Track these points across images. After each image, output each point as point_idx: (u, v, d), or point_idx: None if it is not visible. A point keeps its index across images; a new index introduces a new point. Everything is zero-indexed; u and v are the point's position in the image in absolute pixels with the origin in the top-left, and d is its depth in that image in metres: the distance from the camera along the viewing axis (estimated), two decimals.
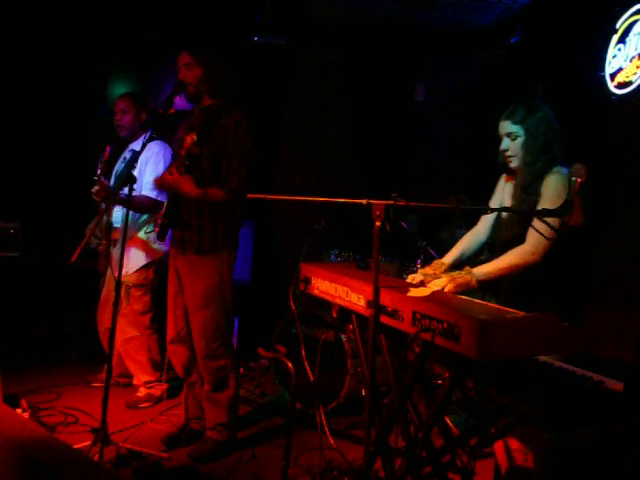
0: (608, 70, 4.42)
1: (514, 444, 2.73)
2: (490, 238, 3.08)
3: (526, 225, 2.77)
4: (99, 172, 4.32)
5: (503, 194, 3.03)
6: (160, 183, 3.59)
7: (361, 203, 2.39)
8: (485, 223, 3.10)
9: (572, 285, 2.89)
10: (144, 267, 4.38)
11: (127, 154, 4.44)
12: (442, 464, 2.56)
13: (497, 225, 3.03)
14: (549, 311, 2.19)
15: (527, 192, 2.79)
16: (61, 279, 5.24)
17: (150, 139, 3.93)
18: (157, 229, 3.43)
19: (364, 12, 5.44)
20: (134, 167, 3.41)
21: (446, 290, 2.62)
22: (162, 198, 4.16)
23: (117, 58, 5.96)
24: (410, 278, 2.86)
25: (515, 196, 2.89)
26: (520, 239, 2.78)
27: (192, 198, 3.42)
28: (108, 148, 4.36)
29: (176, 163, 3.54)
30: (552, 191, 2.70)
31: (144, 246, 4.35)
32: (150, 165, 4.27)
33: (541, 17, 5.15)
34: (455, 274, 2.68)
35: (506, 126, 2.84)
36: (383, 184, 5.64)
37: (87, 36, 5.70)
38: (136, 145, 4.37)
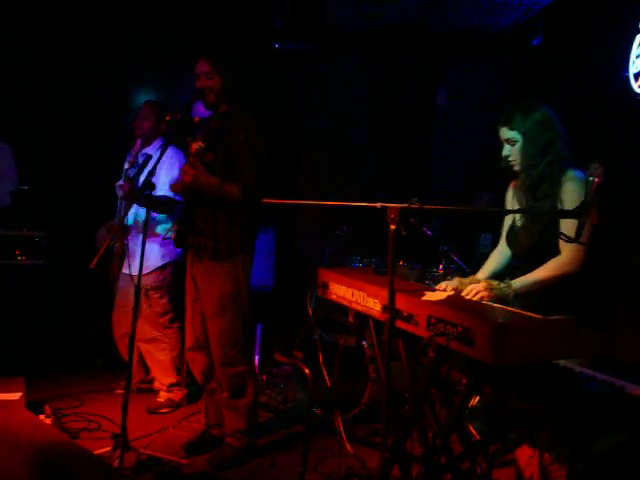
0: (632, 70, 4.34)
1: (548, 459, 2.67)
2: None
3: (544, 231, 2.74)
4: (127, 166, 4.41)
5: (513, 202, 3.00)
6: (177, 185, 3.62)
7: (375, 206, 2.37)
8: (504, 237, 3.07)
9: (597, 289, 2.84)
10: (160, 268, 4.43)
11: (140, 158, 4.50)
12: (461, 471, 2.52)
13: (512, 233, 2.99)
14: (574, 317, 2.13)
15: (533, 196, 2.78)
16: (85, 286, 5.28)
17: (165, 146, 4.01)
18: (174, 236, 3.45)
19: (382, 17, 5.42)
20: (153, 174, 3.41)
21: (477, 297, 2.58)
22: (179, 197, 4.24)
23: (138, 65, 6.02)
24: (441, 285, 2.81)
25: (519, 201, 2.89)
26: (539, 246, 2.76)
27: (212, 187, 3.42)
28: (139, 141, 4.44)
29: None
30: (572, 199, 2.65)
31: (160, 247, 4.37)
32: (165, 167, 4.34)
33: (562, 18, 5.09)
34: (494, 284, 2.64)
35: (504, 132, 2.83)
36: (405, 189, 5.59)
37: (107, 44, 5.76)
38: (149, 150, 4.47)
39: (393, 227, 2.34)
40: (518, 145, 2.79)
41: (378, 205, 2.37)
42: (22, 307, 5.15)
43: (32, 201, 5.57)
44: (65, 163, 5.79)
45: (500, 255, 3.09)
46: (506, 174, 2.97)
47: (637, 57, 4.30)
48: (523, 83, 5.67)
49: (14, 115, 5.70)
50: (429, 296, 2.38)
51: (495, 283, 2.62)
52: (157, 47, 5.84)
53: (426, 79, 6.08)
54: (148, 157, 4.36)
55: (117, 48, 5.80)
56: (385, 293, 2.43)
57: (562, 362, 2.18)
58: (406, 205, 2.34)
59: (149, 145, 4.56)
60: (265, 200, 2.69)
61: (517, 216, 2.97)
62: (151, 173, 4.20)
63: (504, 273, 3.03)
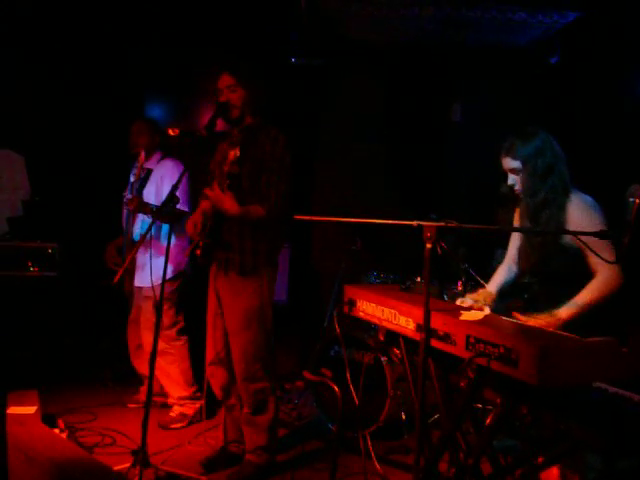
0: None
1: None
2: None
3: (545, 251, 2.81)
4: (132, 179, 4.49)
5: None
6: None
7: (412, 225, 2.36)
8: (512, 254, 3.15)
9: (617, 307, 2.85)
10: (170, 280, 4.34)
11: (142, 173, 4.54)
12: None
13: (520, 253, 3.04)
14: (597, 335, 2.13)
15: (536, 222, 2.82)
16: (97, 298, 5.27)
17: (163, 157, 4.57)
18: (199, 251, 3.40)
19: (401, 33, 5.44)
20: (177, 188, 3.37)
21: None
22: (185, 208, 4.28)
23: (154, 79, 6.04)
24: (459, 302, 2.85)
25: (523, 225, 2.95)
26: (541, 264, 2.84)
27: (234, 215, 3.39)
28: (142, 152, 4.48)
29: (216, 180, 3.54)
30: (581, 221, 2.70)
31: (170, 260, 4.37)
32: (167, 179, 4.41)
33: (582, 36, 5.11)
34: (544, 317, 2.62)
35: (507, 162, 2.86)
36: (419, 204, 5.59)
37: (124, 57, 5.78)
38: (149, 164, 4.55)
39: (429, 246, 2.34)
40: (521, 174, 2.83)
41: (414, 223, 2.36)
42: (34, 319, 5.11)
43: (44, 212, 5.56)
44: (78, 174, 5.77)
45: (507, 271, 3.16)
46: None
47: None
48: (540, 101, 5.68)
49: (27, 126, 5.71)
50: (466, 316, 2.37)
51: (544, 316, 2.61)
52: (172, 60, 5.86)
53: (441, 94, 6.09)
54: (149, 171, 4.41)
55: (131, 61, 5.82)
56: (418, 311, 2.42)
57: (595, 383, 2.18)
58: (443, 224, 2.34)
59: (149, 160, 4.59)
60: (296, 217, 2.68)
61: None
62: (143, 185, 4.29)
63: (509, 289, 3.13)
